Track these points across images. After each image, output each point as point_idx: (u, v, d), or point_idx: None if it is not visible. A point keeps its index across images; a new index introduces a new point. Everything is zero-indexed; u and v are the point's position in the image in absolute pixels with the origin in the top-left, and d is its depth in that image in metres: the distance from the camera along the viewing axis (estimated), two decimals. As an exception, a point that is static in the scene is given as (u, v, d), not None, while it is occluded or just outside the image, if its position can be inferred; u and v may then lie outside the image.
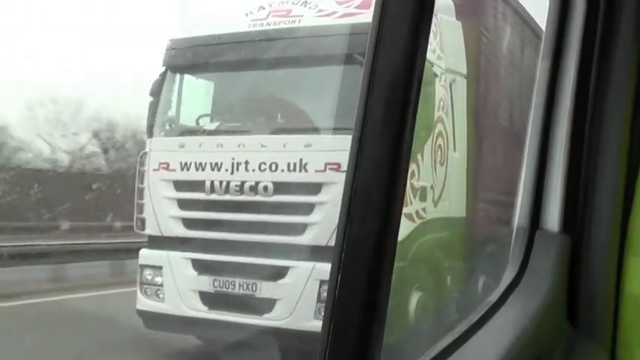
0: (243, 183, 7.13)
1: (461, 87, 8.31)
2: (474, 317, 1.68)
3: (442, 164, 7.81)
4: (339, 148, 6.78)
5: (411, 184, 7.08)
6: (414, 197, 7.29)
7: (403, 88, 1.13)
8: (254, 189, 7.08)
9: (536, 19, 10.05)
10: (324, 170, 6.80)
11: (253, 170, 7.09)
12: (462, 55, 8.39)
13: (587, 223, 1.82)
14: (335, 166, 6.77)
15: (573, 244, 1.81)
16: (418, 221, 7.32)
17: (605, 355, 1.78)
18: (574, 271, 1.80)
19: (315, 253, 6.81)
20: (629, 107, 1.82)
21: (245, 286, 7.09)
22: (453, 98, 8.15)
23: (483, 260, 8.11)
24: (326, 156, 6.81)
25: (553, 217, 1.82)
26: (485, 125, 9.11)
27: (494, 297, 1.77)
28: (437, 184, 7.69)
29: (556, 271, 1.78)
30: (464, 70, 8.43)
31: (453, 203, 8.07)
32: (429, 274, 7.77)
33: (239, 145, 7.21)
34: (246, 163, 7.11)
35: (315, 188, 6.87)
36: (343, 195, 1.18)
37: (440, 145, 7.79)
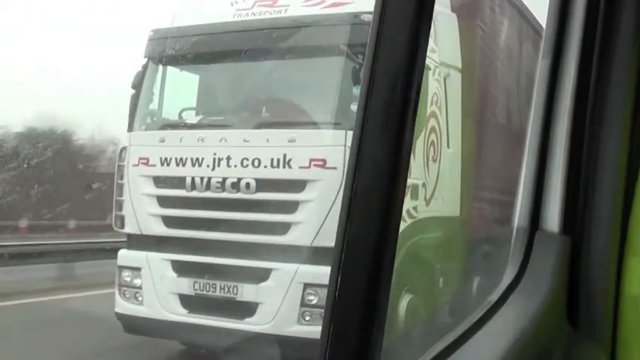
0: (224, 179, 6.79)
1: (455, 81, 7.97)
2: (473, 317, 1.67)
3: (435, 161, 7.47)
4: (324, 143, 6.46)
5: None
6: (405, 195, 6.94)
7: (403, 89, 1.13)
8: (236, 186, 6.74)
9: (535, 14, 9.80)
10: (309, 166, 6.46)
11: (235, 166, 6.75)
12: (456, 49, 8.05)
13: (587, 224, 1.81)
14: (320, 163, 6.43)
15: (573, 244, 1.80)
16: (409, 220, 7.00)
17: (604, 355, 1.77)
18: (574, 272, 1.79)
19: (299, 254, 6.49)
20: (630, 107, 1.81)
21: (226, 288, 6.75)
22: (447, 93, 7.81)
23: (478, 261, 7.77)
24: (311, 151, 6.48)
25: (553, 217, 1.81)
26: (480, 121, 8.79)
27: (494, 297, 1.76)
28: (429, 182, 7.35)
29: (556, 271, 1.77)
30: (459, 64, 8.09)
31: (446, 202, 7.73)
32: (420, 276, 7.43)
33: (221, 140, 6.87)
34: (228, 158, 6.77)
35: (299, 185, 6.54)
36: (343, 195, 1.15)
37: (433, 141, 7.46)
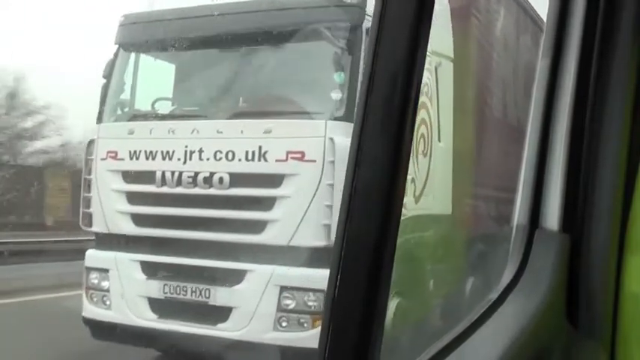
0: (196, 174, 6.30)
1: (447, 71, 7.49)
2: (473, 316, 1.67)
3: (425, 155, 6.98)
4: (302, 134, 5.98)
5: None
6: None
7: (403, 87, 1.13)
8: (208, 181, 6.25)
9: (532, 4, 9.33)
10: (286, 159, 5.98)
11: (208, 159, 6.26)
12: (448, 37, 7.56)
13: (587, 222, 1.80)
14: (298, 155, 5.94)
15: (573, 242, 1.79)
16: None
17: (604, 353, 1.77)
18: (573, 270, 1.78)
19: (276, 254, 6.01)
20: (629, 105, 1.80)
21: (197, 292, 6.26)
22: (438, 83, 7.31)
23: (472, 261, 7.31)
24: (288, 143, 5.99)
25: (553, 215, 1.81)
26: (474, 114, 8.31)
27: (493, 296, 1.76)
28: (419, 178, 6.88)
29: (555, 270, 1.77)
30: (451, 53, 7.60)
31: (438, 199, 7.25)
32: (410, 278, 6.93)
33: (193, 131, 6.38)
34: (200, 151, 6.28)
35: (275, 180, 6.05)
36: (343, 193, 1.14)
37: (423, 134, 7.01)
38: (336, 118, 5.95)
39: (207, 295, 6.23)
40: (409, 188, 6.85)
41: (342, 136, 5.89)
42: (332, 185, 5.83)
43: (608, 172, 1.80)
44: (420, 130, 7.04)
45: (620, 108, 1.80)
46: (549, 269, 1.76)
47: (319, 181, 5.86)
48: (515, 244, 1.84)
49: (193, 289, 6.27)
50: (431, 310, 7.11)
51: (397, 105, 1.13)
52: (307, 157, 5.90)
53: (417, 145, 7.00)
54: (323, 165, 5.86)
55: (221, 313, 6.16)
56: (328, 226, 5.82)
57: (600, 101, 1.81)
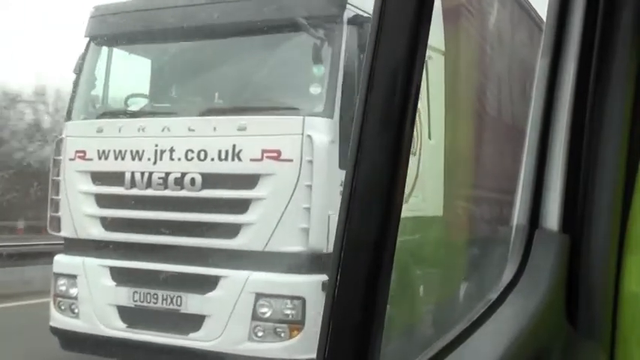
0: (167, 175, 5.92)
1: (438, 65, 7.10)
2: (472, 316, 1.67)
3: (414, 154, 6.58)
4: (279, 131, 5.59)
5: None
6: None
7: (403, 87, 1.13)
8: (179, 182, 5.86)
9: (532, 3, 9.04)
10: (261, 159, 5.59)
11: (179, 159, 5.88)
12: (439, 29, 7.15)
13: (586, 222, 1.79)
14: (274, 154, 5.55)
15: (573, 242, 1.78)
16: None
17: (604, 354, 1.77)
18: (573, 270, 1.77)
19: (251, 259, 5.64)
20: (629, 104, 1.79)
21: (168, 299, 5.87)
22: (428, 77, 6.92)
23: (465, 265, 6.94)
24: (263, 141, 5.61)
25: (552, 215, 1.80)
26: (468, 110, 7.92)
27: (493, 296, 1.75)
28: (407, 177, 6.46)
29: (555, 270, 1.76)
30: (442, 47, 7.21)
31: (427, 200, 6.90)
32: (398, 284, 6.50)
33: (163, 129, 5.99)
34: (171, 150, 5.89)
35: (250, 181, 5.66)
36: (343, 193, 1.12)
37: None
38: (314, 114, 5.57)
39: (178, 303, 5.85)
40: (395, 189, 6.48)
41: (322, 134, 5.51)
42: (310, 186, 5.45)
43: (608, 171, 1.81)
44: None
45: (619, 107, 1.81)
46: (549, 269, 1.77)
47: (296, 182, 5.49)
48: (514, 244, 1.83)
49: (164, 297, 5.89)
50: (421, 317, 6.75)
51: (397, 105, 1.13)
52: (284, 157, 5.52)
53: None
54: (300, 165, 5.49)
55: (193, 322, 5.78)
56: (306, 230, 5.44)
57: (600, 101, 1.81)
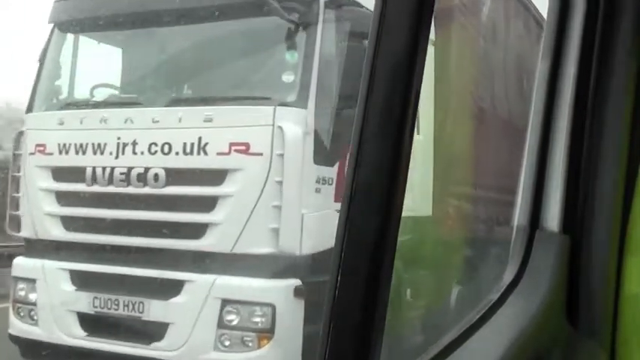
0: (129, 170, 5.46)
1: (427, 55, 6.60)
2: (473, 317, 1.68)
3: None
4: (247, 122, 5.14)
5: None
6: None
7: (403, 87, 1.13)
8: (142, 178, 5.41)
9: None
10: (229, 153, 5.14)
11: (142, 153, 5.43)
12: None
13: (587, 223, 1.81)
14: (242, 147, 5.10)
15: (573, 243, 1.80)
16: None
17: (604, 354, 1.79)
18: (574, 271, 1.79)
19: (218, 262, 5.19)
20: (629, 105, 1.81)
21: (130, 305, 5.42)
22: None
23: (456, 267, 6.46)
24: (231, 133, 5.16)
25: (553, 216, 1.81)
26: (459, 104, 7.49)
27: (494, 296, 1.75)
28: None
29: (556, 271, 1.77)
30: (432, 35, 6.72)
31: (415, 199, 6.41)
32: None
33: (126, 121, 5.54)
34: (134, 143, 5.44)
35: (217, 176, 5.21)
36: (344, 194, 1.12)
37: None
38: (287, 104, 5.12)
39: (140, 310, 5.39)
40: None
41: (294, 125, 5.06)
42: (281, 183, 4.99)
43: (608, 172, 1.81)
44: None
45: (620, 109, 1.81)
46: (549, 270, 1.78)
47: (266, 178, 5.04)
48: (515, 245, 1.83)
49: (126, 303, 5.44)
50: (410, 322, 6.32)
51: (398, 105, 1.12)
52: (253, 150, 5.06)
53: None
54: (271, 159, 5.03)
55: (156, 330, 5.33)
56: (276, 231, 4.99)
57: (600, 103, 1.82)
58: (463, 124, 7.56)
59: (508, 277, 1.78)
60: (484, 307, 1.71)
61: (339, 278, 1.11)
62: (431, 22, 1.12)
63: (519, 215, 1.84)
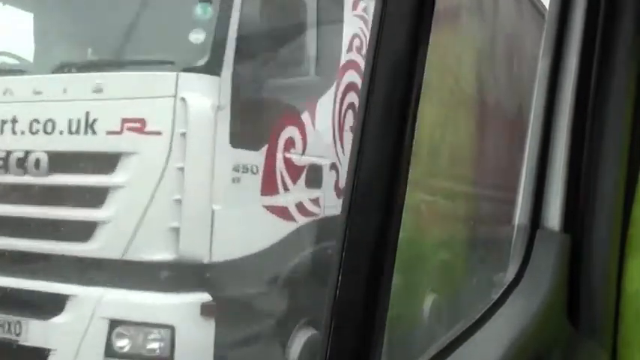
0: (8, 154, 4.39)
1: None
2: (474, 316, 1.68)
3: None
4: (143, 93, 4.05)
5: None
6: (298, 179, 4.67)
7: (405, 85, 1.12)
8: (22, 164, 4.33)
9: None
10: (121, 131, 4.04)
11: (22, 132, 4.35)
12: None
13: (588, 222, 1.82)
14: (137, 125, 4.02)
15: (574, 242, 1.81)
16: (302, 220, 4.68)
17: (605, 354, 1.79)
18: (575, 270, 1.81)
19: (106, 272, 4.09)
20: (630, 104, 1.84)
21: (6, 326, 4.33)
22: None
23: (432, 272, 5.94)
24: (124, 107, 4.06)
25: (554, 215, 1.82)
26: (448, 94, 6.54)
27: (494, 296, 1.77)
28: (344, 162, 5.17)
29: (557, 270, 1.79)
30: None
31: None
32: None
33: (5, 92, 4.45)
34: (14, 120, 4.36)
35: (107, 161, 4.12)
36: (345, 192, 1.11)
37: (352, 104, 5.26)
38: (194, 69, 4.02)
39: (17, 332, 4.30)
40: (327, 176, 5.02)
41: (203, 96, 3.97)
42: (182, 169, 3.90)
43: (609, 171, 1.82)
44: (345, 98, 5.16)
45: (621, 108, 1.82)
46: (550, 269, 1.78)
47: (165, 164, 3.94)
48: (515, 244, 1.83)
49: (1, 323, 4.35)
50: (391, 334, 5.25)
51: (398, 105, 1.11)
52: (149, 128, 3.98)
53: (341, 118, 5.13)
54: (171, 139, 3.94)
55: (35, 358, 4.23)
56: (176, 231, 3.89)
57: (601, 101, 1.83)
58: (455, 116, 6.71)
59: (509, 276, 1.79)
60: (485, 306, 1.70)
61: (339, 277, 1.10)
62: (431, 22, 1.10)
63: (520, 214, 1.85)
